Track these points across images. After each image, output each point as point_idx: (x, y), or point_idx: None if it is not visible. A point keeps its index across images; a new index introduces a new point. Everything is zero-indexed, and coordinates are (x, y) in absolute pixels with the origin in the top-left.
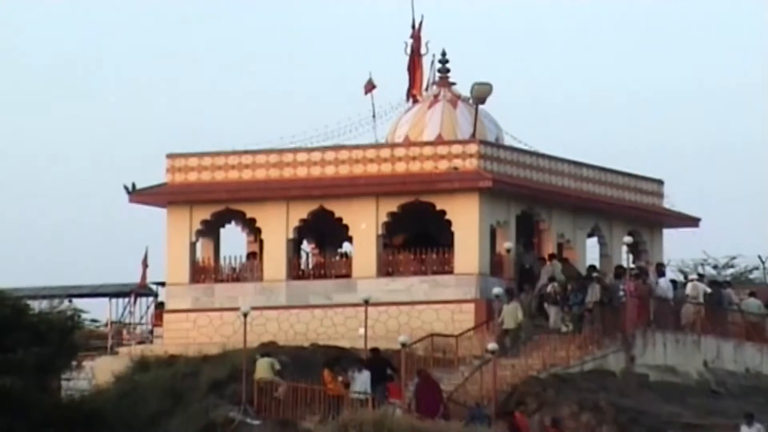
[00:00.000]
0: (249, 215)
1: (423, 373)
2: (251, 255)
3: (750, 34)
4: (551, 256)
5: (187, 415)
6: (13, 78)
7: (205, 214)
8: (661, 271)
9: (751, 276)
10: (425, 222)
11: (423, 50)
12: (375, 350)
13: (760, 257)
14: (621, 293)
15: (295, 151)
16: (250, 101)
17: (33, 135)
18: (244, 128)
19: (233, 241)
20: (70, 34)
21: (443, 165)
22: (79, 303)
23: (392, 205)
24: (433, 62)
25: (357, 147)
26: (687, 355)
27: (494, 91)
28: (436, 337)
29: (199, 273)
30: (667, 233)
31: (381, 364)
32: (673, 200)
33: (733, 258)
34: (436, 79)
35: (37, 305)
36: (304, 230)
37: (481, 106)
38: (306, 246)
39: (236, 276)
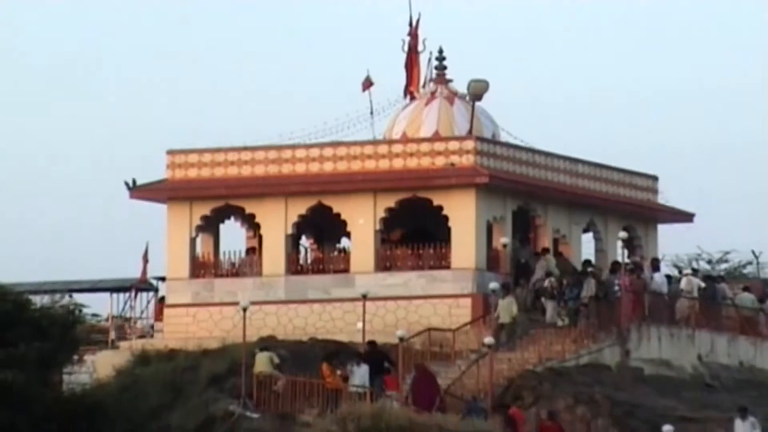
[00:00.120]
0: (248, 211)
1: (420, 366)
2: (250, 250)
3: (745, 33)
4: (544, 251)
5: (187, 408)
6: (14, 77)
7: (204, 209)
8: (655, 266)
9: (745, 271)
10: (422, 217)
11: (420, 48)
12: (372, 343)
13: (753, 252)
14: (616, 288)
15: (293, 147)
16: (249, 99)
17: (34, 133)
18: (244, 125)
19: (233, 236)
20: (70, 34)
21: (440, 161)
22: (80, 298)
23: (390, 201)
24: (430, 59)
25: (355, 143)
26: (681, 349)
27: (491, 87)
28: (434, 332)
29: (198, 268)
30: (662, 228)
31: (378, 357)
32: (668, 196)
33: (727, 253)
34: (433, 76)
35: (38, 300)
36: (303, 226)
37: (477, 103)
38: (305, 241)
39: (236, 271)
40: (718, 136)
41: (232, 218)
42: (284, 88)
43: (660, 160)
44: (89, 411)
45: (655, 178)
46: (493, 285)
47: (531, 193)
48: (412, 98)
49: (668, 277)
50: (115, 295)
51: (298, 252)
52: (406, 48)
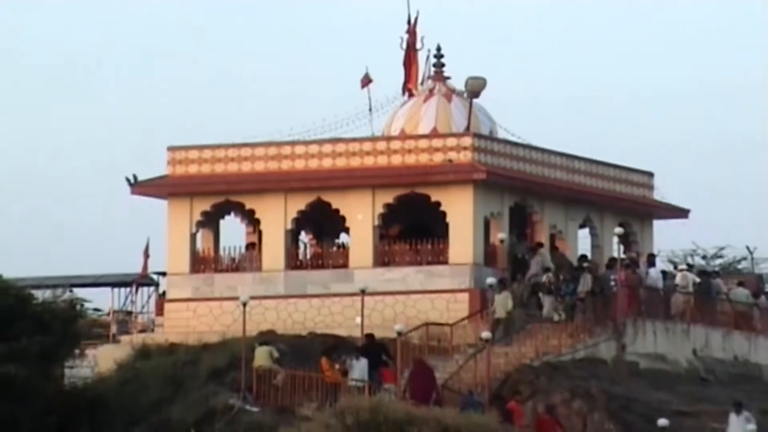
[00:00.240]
0: (248, 207)
1: (418, 360)
2: (250, 245)
3: (741, 31)
4: (538, 245)
5: (187, 402)
6: (15, 76)
7: (205, 205)
8: (651, 261)
9: (740, 266)
10: (420, 213)
11: (418, 45)
12: (370, 336)
13: (748, 248)
14: (612, 283)
15: (293, 143)
16: (249, 96)
17: (35, 131)
18: (243, 122)
19: (233, 231)
20: (70, 34)
21: (438, 157)
22: (81, 293)
23: (388, 197)
24: (428, 57)
25: (354, 140)
26: (676, 343)
27: (488, 85)
28: (431, 326)
29: (199, 263)
30: (657, 224)
31: (376, 350)
32: (663, 192)
33: (722, 248)
34: (431, 73)
35: (40, 295)
36: (302, 221)
37: (475, 100)
38: (304, 237)
39: (236, 266)
40: (713, 133)
41: (232, 214)
42: (283, 86)
43: (655, 156)
44: (90, 404)
45: (650, 175)
46: (491, 280)
47: (528, 189)
48: (411, 95)
49: (663, 272)
50: (116, 289)
51: (297, 247)
52: (404, 46)
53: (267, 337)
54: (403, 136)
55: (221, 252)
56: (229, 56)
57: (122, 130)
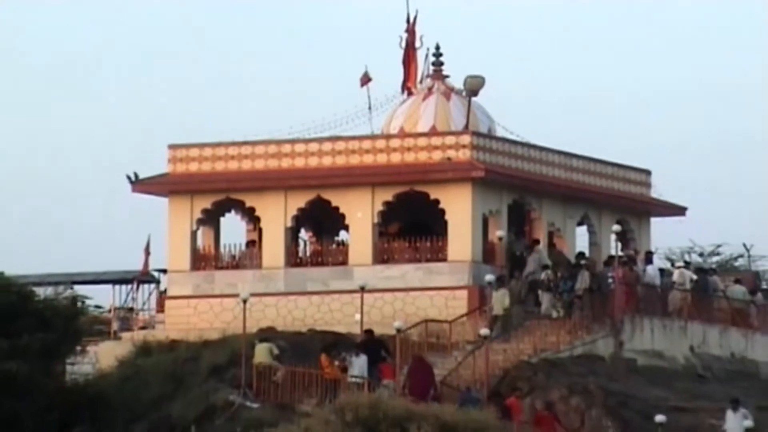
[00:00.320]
0: (248, 204)
1: (417, 356)
2: (250, 243)
3: (740, 31)
4: (534, 242)
5: (188, 398)
6: (15, 76)
7: (205, 203)
8: (649, 258)
9: (736, 263)
10: (420, 211)
11: (417, 44)
12: (369, 332)
13: (744, 245)
14: (610, 280)
15: (293, 142)
16: (249, 94)
17: (37, 130)
18: (243, 120)
19: (233, 229)
20: (70, 34)
21: (437, 156)
22: (83, 290)
23: (387, 195)
24: (427, 56)
25: (353, 138)
26: (674, 340)
27: (486, 83)
28: (430, 323)
29: (199, 260)
30: (655, 222)
31: (375, 345)
32: (661, 190)
33: (719, 246)
34: (430, 72)
35: (42, 292)
36: (302, 219)
37: (473, 99)
38: (304, 234)
39: (236, 263)
40: (710, 131)
41: (233, 211)
42: (283, 84)
43: (653, 154)
44: (91, 401)
45: (648, 173)
46: (489, 277)
47: (526, 187)
48: (410, 94)
49: (661, 269)
50: (117, 287)
51: (297, 245)
52: (403, 45)
53: (267, 334)
54: (403, 135)
55: (222, 249)
56: (229, 56)
57: (123, 128)
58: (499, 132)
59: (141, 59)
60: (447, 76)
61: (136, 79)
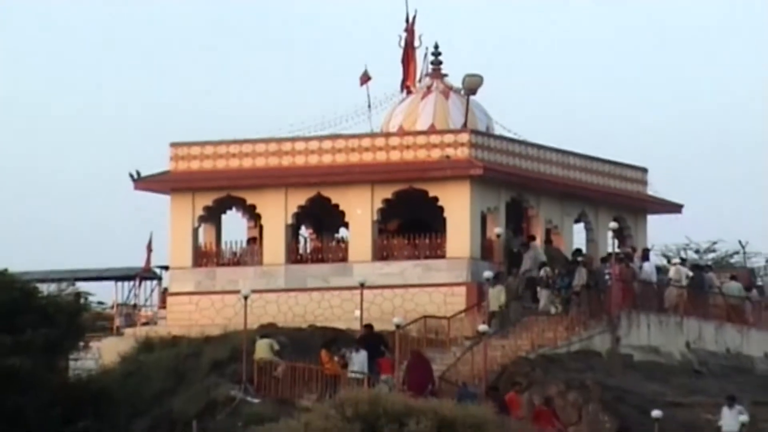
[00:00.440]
0: (249, 202)
1: (415, 351)
2: (251, 240)
3: (739, 31)
4: (530, 238)
5: (189, 393)
6: (15, 76)
7: (207, 200)
8: (645, 255)
9: (732, 260)
10: (418, 208)
11: (416, 43)
12: (369, 326)
13: (740, 242)
14: (606, 277)
15: (293, 140)
16: (250, 93)
17: (41, 127)
18: (244, 118)
19: (234, 226)
20: (70, 34)
21: (436, 154)
22: (86, 286)
23: (387, 192)
24: (426, 55)
25: (353, 136)
26: (670, 336)
27: (485, 82)
28: (429, 319)
29: (201, 257)
30: (651, 219)
31: (375, 340)
32: (657, 187)
33: (715, 243)
34: (429, 70)
35: (45, 288)
36: (302, 216)
37: (472, 97)
38: (304, 231)
39: (237, 260)
40: (706, 129)
41: (234, 209)
42: (284, 83)
43: (649, 152)
44: (94, 396)
45: (644, 170)
46: (487, 274)
47: (524, 184)
48: (409, 92)
49: (657, 266)
50: (120, 283)
51: (297, 242)
52: (402, 44)
53: (268, 330)
54: (402, 133)
55: (223, 246)
56: (229, 54)
57: (125, 127)
58: (497, 130)
59: (142, 58)
60: (446, 75)
61: (137, 78)
